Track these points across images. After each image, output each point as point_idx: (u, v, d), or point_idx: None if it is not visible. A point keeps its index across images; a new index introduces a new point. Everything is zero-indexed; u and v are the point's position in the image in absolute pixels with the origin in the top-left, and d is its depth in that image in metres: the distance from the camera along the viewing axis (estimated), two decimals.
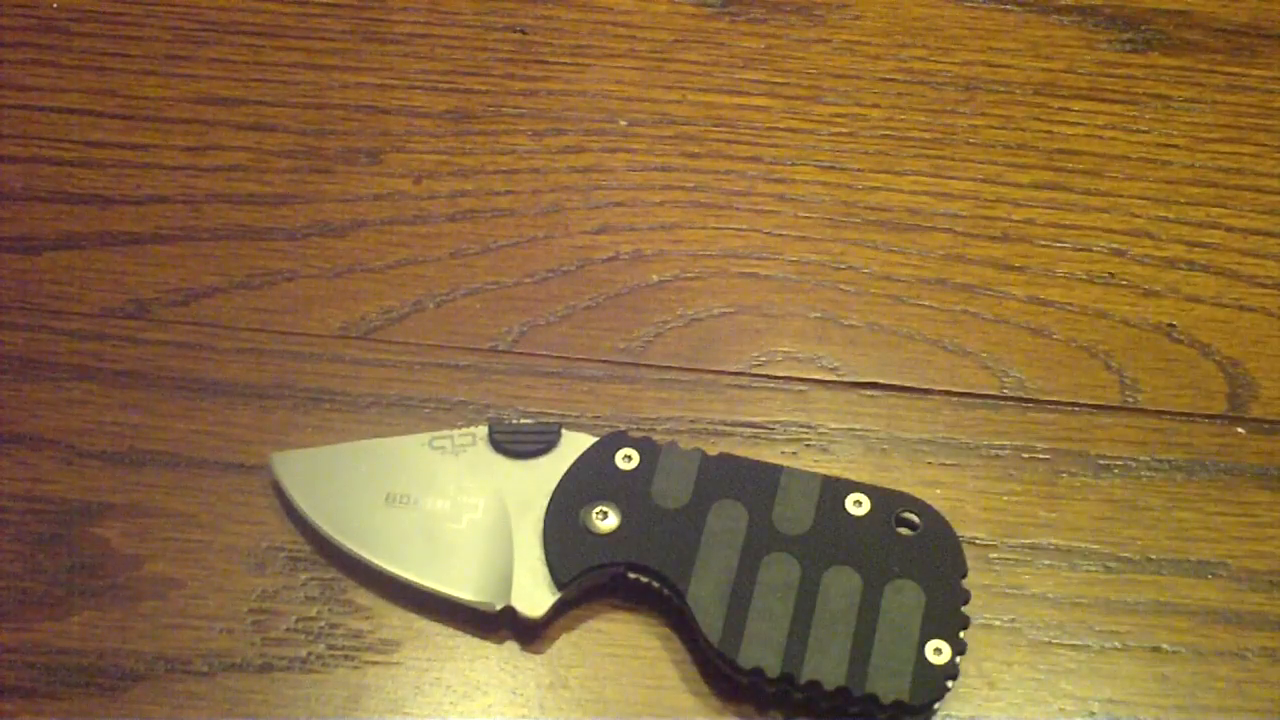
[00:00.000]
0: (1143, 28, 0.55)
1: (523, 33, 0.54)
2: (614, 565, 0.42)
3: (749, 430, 0.46)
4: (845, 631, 0.40)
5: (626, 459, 0.43)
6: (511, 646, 0.42)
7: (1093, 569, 0.44)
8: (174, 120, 0.52)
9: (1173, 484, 0.46)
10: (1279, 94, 0.53)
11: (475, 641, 0.42)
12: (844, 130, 0.52)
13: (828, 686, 0.40)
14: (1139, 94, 0.53)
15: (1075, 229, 0.50)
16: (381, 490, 0.43)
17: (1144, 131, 0.53)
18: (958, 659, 0.40)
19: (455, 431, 0.44)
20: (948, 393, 0.47)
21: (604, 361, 0.47)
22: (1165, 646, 0.43)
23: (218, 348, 0.47)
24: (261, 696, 0.41)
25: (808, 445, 0.46)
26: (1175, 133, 0.53)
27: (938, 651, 0.40)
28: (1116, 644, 0.43)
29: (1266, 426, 0.47)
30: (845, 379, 0.47)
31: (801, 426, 0.46)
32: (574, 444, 0.43)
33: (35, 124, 0.51)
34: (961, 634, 0.41)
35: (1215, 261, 0.50)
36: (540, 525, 0.42)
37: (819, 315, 0.49)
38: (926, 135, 0.52)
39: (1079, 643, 0.43)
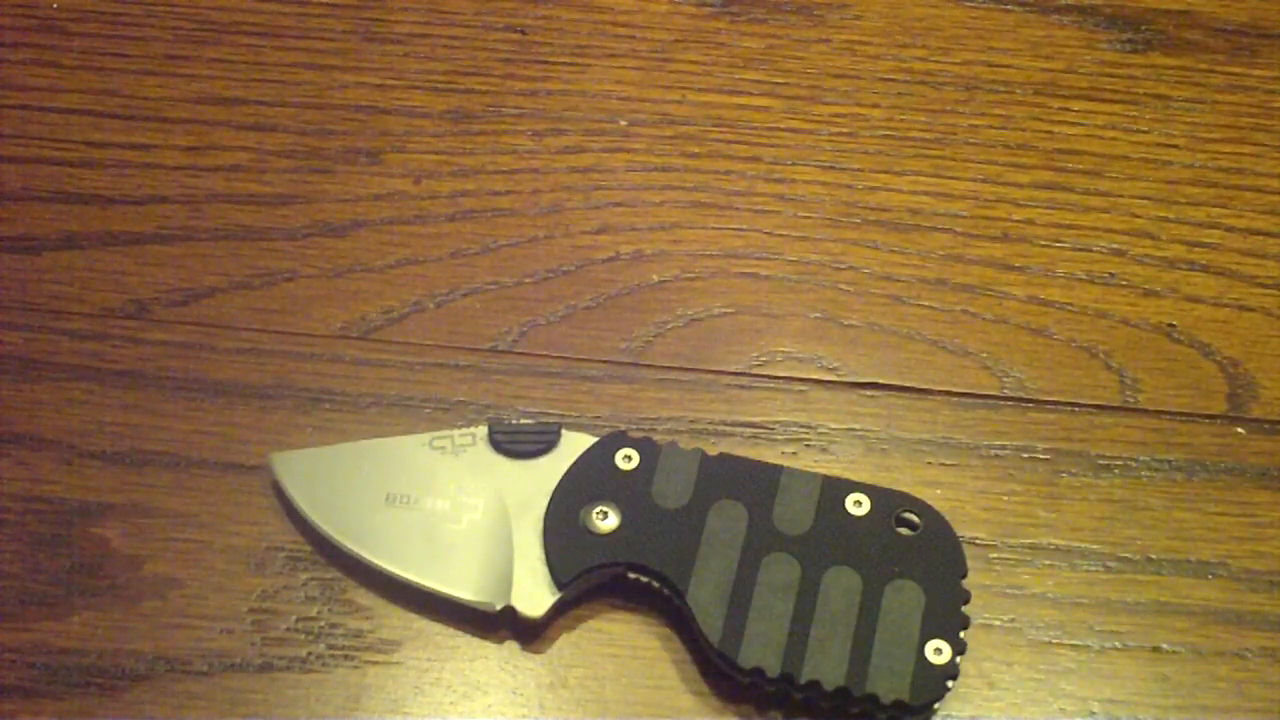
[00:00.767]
0: (1143, 28, 0.55)
1: (523, 33, 0.54)
2: (614, 565, 0.42)
3: (749, 430, 0.46)
4: (845, 631, 0.40)
5: (626, 459, 0.43)
6: (511, 646, 0.42)
7: (1093, 569, 0.44)
8: (174, 120, 0.52)
9: (1173, 484, 0.46)
10: (1279, 94, 0.53)
11: (475, 641, 0.42)
12: (844, 130, 0.52)
13: (828, 686, 0.40)
14: (1139, 94, 0.53)
15: (1075, 229, 0.50)
16: (381, 490, 0.43)
17: (1144, 131, 0.53)
18: (958, 659, 0.40)
19: (455, 431, 0.44)
20: (948, 393, 0.47)
21: (604, 361, 0.47)
22: (1165, 646, 0.43)
23: (218, 348, 0.47)
24: (261, 696, 0.41)
25: (808, 445, 0.46)
26: (1175, 133, 0.53)
27: (938, 651, 0.40)
28: (1116, 644, 0.43)
29: (1266, 426, 0.47)
30: (845, 379, 0.47)
31: (801, 426, 0.46)
32: (574, 444, 0.43)
33: (35, 124, 0.51)
34: (961, 634, 0.41)
35: (1215, 261, 0.50)
36: (540, 525, 0.42)
37: (819, 315, 0.49)
38: (926, 135, 0.52)
39: (1079, 643, 0.43)
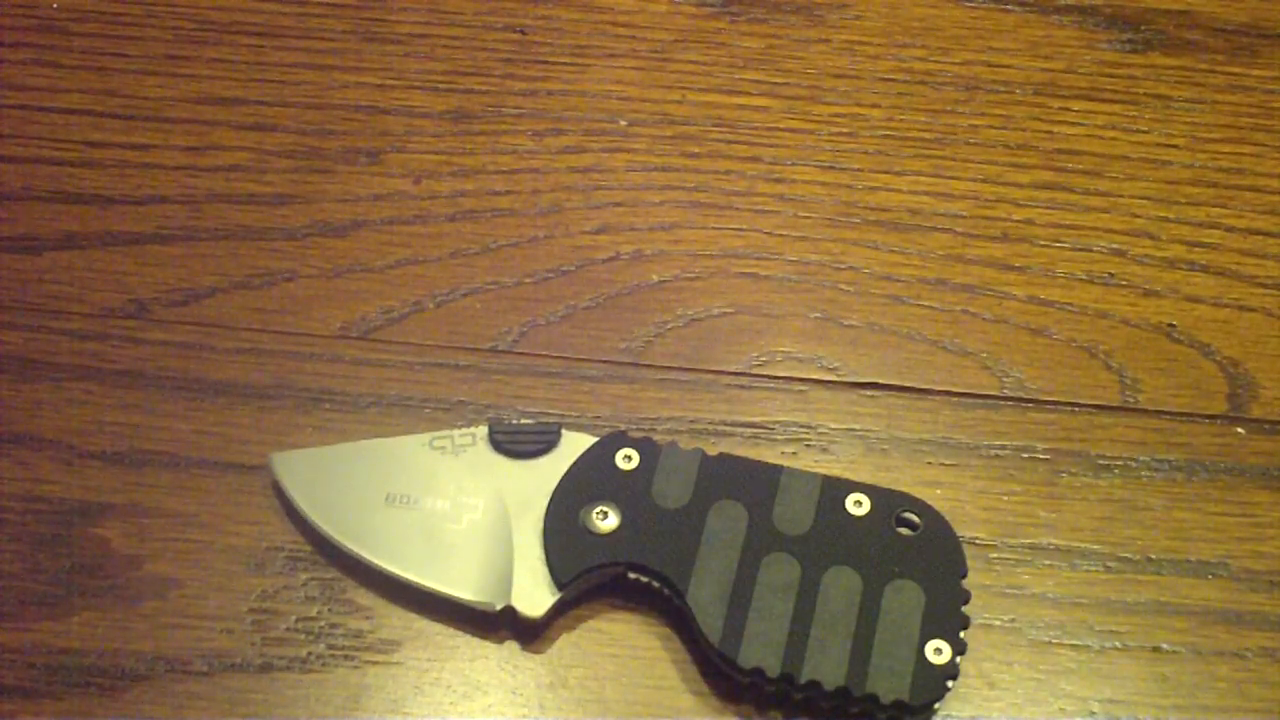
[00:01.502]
0: (1143, 28, 0.55)
1: (523, 33, 0.54)
2: (614, 565, 0.42)
3: (749, 430, 0.46)
4: (845, 631, 0.40)
5: (626, 459, 0.43)
6: (511, 646, 0.42)
7: (1093, 569, 0.44)
8: (174, 120, 0.52)
9: (1173, 484, 0.46)
10: (1279, 94, 0.53)
11: (475, 641, 0.42)
12: (844, 130, 0.52)
13: (828, 686, 0.40)
14: (1139, 94, 0.53)
15: (1075, 229, 0.50)
16: (381, 490, 0.43)
17: (1144, 131, 0.53)
18: (958, 659, 0.40)
19: (455, 431, 0.44)
20: (948, 393, 0.47)
21: (604, 361, 0.47)
22: (1165, 646, 0.43)
23: (218, 348, 0.47)
24: (261, 696, 0.41)
25: (808, 445, 0.46)
26: (1175, 133, 0.53)
27: (938, 651, 0.40)
28: (1116, 644, 0.43)
29: (1266, 426, 0.47)
30: (845, 379, 0.47)
31: (801, 426, 0.46)
32: (574, 444, 0.43)
33: (35, 124, 0.51)
34: (961, 634, 0.41)
35: (1215, 261, 0.50)
36: (540, 525, 0.42)
37: (819, 315, 0.49)
38: (926, 135, 0.52)
39: (1079, 643, 0.43)
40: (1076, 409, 0.47)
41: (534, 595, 0.42)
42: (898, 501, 0.42)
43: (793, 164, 0.52)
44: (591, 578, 0.42)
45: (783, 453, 0.46)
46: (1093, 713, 0.42)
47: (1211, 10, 0.55)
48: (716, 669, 0.41)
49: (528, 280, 0.49)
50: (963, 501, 0.45)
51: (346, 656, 0.42)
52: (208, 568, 0.43)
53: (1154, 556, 0.44)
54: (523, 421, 0.44)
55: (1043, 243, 0.50)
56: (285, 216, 0.50)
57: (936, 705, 0.41)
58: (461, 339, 0.48)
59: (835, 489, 0.42)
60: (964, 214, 0.51)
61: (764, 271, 0.49)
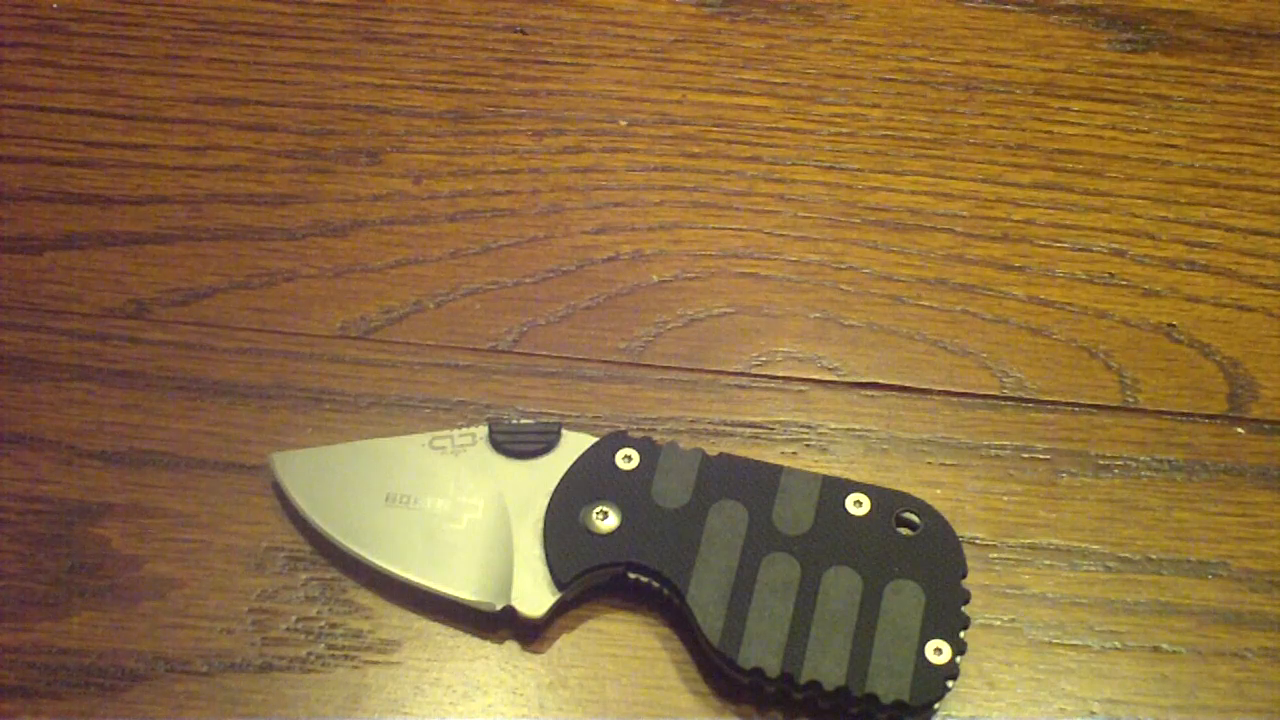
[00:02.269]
0: (1143, 28, 0.55)
1: (523, 33, 0.54)
2: (614, 565, 0.42)
3: (749, 430, 0.46)
4: (845, 631, 0.40)
5: (626, 459, 0.43)
6: (511, 646, 0.42)
7: (1093, 569, 0.44)
8: (174, 120, 0.52)
9: (1173, 484, 0.46)
10: (1279, 94, 0.53)
11: (475, 641, 0.42)
12: (844, 130, 0.52)
13: (828, 686, 0.40)
14: (1139, 94, 0.53)
15: (1075, 229, 0.50)
16: (381, 490, 0.43)
17: (1144, 131, 0.53)
18: (958, 659, 0.40)
19: (455, 431, 0.44)
20: (948, 393, 0.47)
21: (604, 361, 0.47)
22: (1165, 646, 0.43)
23: (218, 348, 0.47)
24: (261, 696, 0.41)
25: (808, 445, 0.46)
26: (1175, 133, 0.53)
27: (938, 651, 0.40)
28: (1116, 644, 0.43)
29: (1266, 426, 0.47)
30: (845, 379, 0.47)
31: (801, 426, 0.46)
32: (574, 444, 0.43)
33: (35, 124, 0.51)
34: (961, 634, 0.41)
35: (1215, 261, 0.50)
36: (540, 525, 0.42)
37: (819, 315, 0.49)
38: (926, 135, 0.52)
39: (1079, 643, 0.43)
40: (1076, 409, 0.47)
41: (534, 595, 0.42)
42: (898, 501, 0.42)
43: (793, 164, 0.52)
44: (591, 578, 0.42)
45: (783, 453, 0.46)
46: (1093, 713, 0.42)
47: (1211, 10, 0.55)
48: (716, 669, 0.41)
49: (528, 280, 0.49)
50: (963, 501, 0.45)
51: (346, 656, 0.42)
52: (208, 568, 0.43)
53: (1154, 556, 0.44)
54: (523, 421, 0.44)
55: (1043, 243, 0.50)
56: (285, 216, 0.50)
57: (936, 705, 0.41)
58: (461, 339, 0.48)
59: (835, 489, 0.42)
60: (964, 214, 0.51)
61: (764, 271, 0.49)
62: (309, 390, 0.46)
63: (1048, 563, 0.44)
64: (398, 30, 0.54)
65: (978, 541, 0.44)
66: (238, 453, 0.45)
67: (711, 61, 0.54)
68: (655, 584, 0.42)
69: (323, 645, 0.42)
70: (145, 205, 0.50)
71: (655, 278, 0.49)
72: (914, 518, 0.42)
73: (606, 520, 0.42)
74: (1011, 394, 0.47)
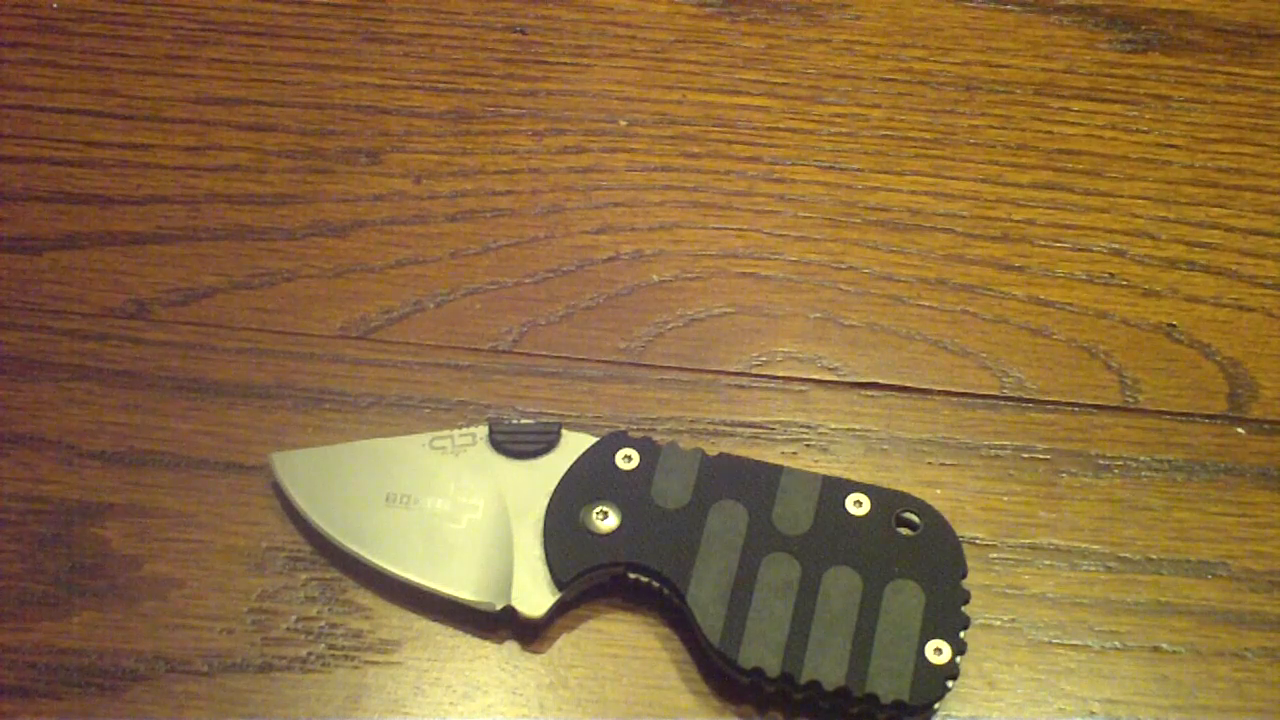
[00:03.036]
0: (1143, 28, 0.55)
1: (523, 33, 0.54)
2: (614, 565, 0.42)
3: (749, 430, 0.46)
4: (845, 631, 0.40)
5: (626, 459, 0.43)
6: (511, 646, 0.42)
7: (1093, 569, 0.44)
8: (174, 120, 0.52)
9: (1173, 484, 0.46)
10: (1279, 94, 0.53)
11: (475, 641, 0.42)
12: (844, 130, 0.52)
13: (828, 686, 0.40)
14: (1139, 94, 0.53)
15: (1075, 229, 0.50)
16: (381, 490, 0.43)
17: (1144, 131, 0.53)
18: (958, 659, 0.40)
19: (455, 431, 0.44)
20: (948, 393, 0.47)
21: (604, 361, 0.47)
22: (1165, 646, 0.43)
23: (218, 348, 0.47)
24: (261, 696, 0.41)
25: (808, 445, 0.46)
26: (1175, 133, 0.53)
27: (938, 651, 0.40)
28: (1116, 644, 0.43)
29: (1266, 426, 0.47)
30: (845, 379, 0.47)
31: (801, 426, 0.46)
32: (574, 444, 0.43)
33: (35, 124, 0.51)
34: (961, 634, 0.41)
35: (1215, 261, 0.50)
36: (540, 525, 0.42)
37: (819, 315, 0.49)
38: (926, 135, 0.52)
39: (1079, 643, 0.43)
40: (1076, 409, 0.47)
41: (534, 595, 0.42)
42: (898, 501, 0.42)
43: (793, 164, 0.52)
44: (591, 578, 0.42)
45: (783, 453, 0.46)
46: (1093, 713, 0.42)
47: (1211, 10, 0.55)
48: (716, 669, 0.41)
49: (528, 280, 0.49)
50: (963, 501, 0.45)
51: (346, 656, 0.42)
52: (208, 568, 0.43)
53: (1154, 556, 0.44)
54: (523, 421, 0.44)
55: (1043, 243, 0.50)
56: (285, 216, 0.50)
57: (936, 705, 0.41)
58: (461, 339, 0.48)
59: (835, 489, 0.42)
60: (964, 214, 0.51)
61: (764, 271, 0.49)
62: (309, 390, 0.46)
63: (1048, 563, 0.44)
64: (398, 30, 0.54)
65: (978, 541, 0.44)
66: (238, 453, 0.45)
67: (711, 61, 0.54)
68: (655, 584, 0.42)
69: (323, 645, 0.42)
70: (145, 205, 0.50)
71: (655, 278, 0.49)
72: (914, 518, 0.42)
73: (606, 520, 0.42)
74: (1011, 394, 0.47)
